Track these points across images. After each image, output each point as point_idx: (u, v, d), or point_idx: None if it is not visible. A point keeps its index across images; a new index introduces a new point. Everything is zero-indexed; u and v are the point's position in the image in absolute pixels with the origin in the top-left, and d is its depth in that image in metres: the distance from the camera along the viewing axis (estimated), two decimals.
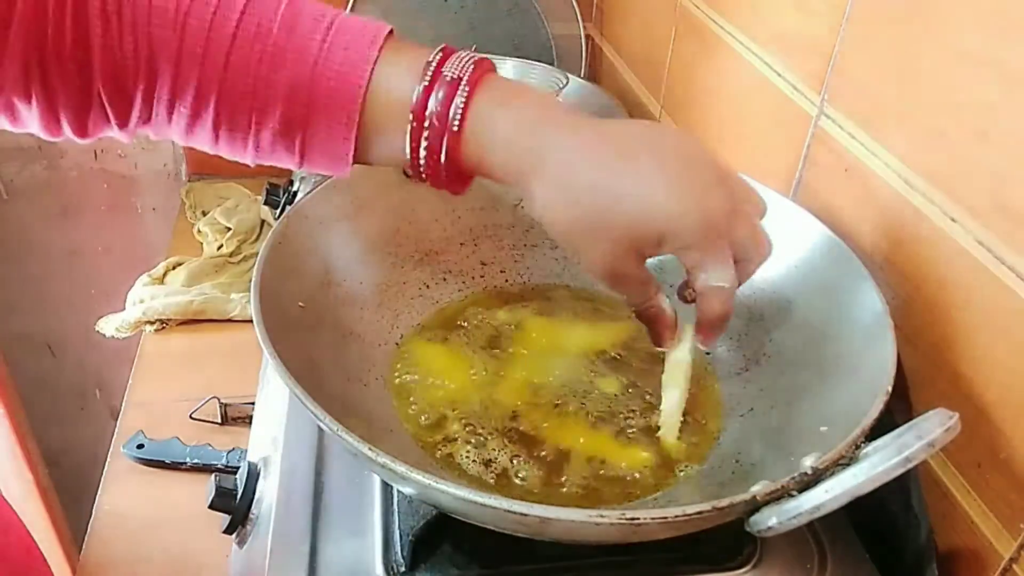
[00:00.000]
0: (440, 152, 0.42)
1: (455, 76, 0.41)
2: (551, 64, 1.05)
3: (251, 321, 0.43)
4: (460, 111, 0.41)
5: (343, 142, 0.43)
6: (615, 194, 0.40)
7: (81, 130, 0.45)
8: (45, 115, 0.44)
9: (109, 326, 0.90)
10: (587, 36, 1.12)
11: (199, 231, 1.05)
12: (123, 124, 0.45)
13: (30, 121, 0.44)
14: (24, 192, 1.20)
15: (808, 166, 0.60)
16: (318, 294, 0.52)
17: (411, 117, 0.42)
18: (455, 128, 0.41)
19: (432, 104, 0.41)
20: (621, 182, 0.40)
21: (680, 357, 0.48)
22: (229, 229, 1.03)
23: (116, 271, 1.22)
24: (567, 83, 0.92)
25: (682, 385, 0.48)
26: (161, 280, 0.96)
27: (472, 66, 0.42)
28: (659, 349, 0.48)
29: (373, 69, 0.42)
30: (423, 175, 0.44)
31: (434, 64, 0.42)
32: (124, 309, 0.91)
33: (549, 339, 0.57)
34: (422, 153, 0.42)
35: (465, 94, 0.41)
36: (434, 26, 1.08)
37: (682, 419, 0.49)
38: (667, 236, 0.40)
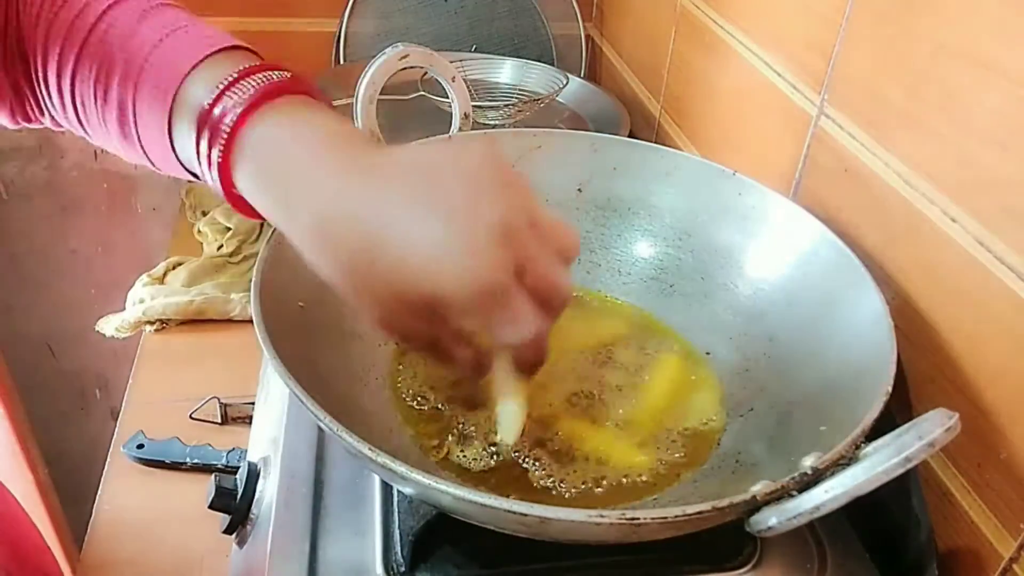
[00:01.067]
0: (211, 159, 0.39)
1: (250, 85, 0.39)
2: (551, 64, 1.05)
3: (251, 321, 0.43)
4: (236, 121, 0.38)
5: (163, 137, 0.42)
6: (371, 240, 0.35)
7: (23, 117, 0.47)
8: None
9: (109, 326, 0.90)
10: (587, 36, 1.12)
11: (199, 231, 1.05)
12: (40, 111, 0.47)
13: None
14: (24, 192, 1.20)
15: (808, 166, 0.60)
16: (318, 294, 0.52)
17: (194, 118, 0.40)
18: (220, 150, 0.39)
19: (216, 110, 0.39)
20: (381, 226, 0.35)
21: (503, 393, 0.45)
22: (229, 229, 1.03)
23: (116, 271, 1.22)
24: (567, 83, 0.92)
25: (515, 395, 0.45)
26: (161, 280, 0.96)
27: (275, 79, 0.39)
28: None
29: (191, 72, 0.40)
30: (214, 186, 0.41)
31: (238, 73, 0.39)
32: (124, 309, 0.91)
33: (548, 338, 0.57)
34: (202, 159, 0.40)
35: (249, 105, 0.38)
36: (434, 26, 1.08)
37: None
38: (439, 304, 0.35)
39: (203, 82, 0.40)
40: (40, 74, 0.45)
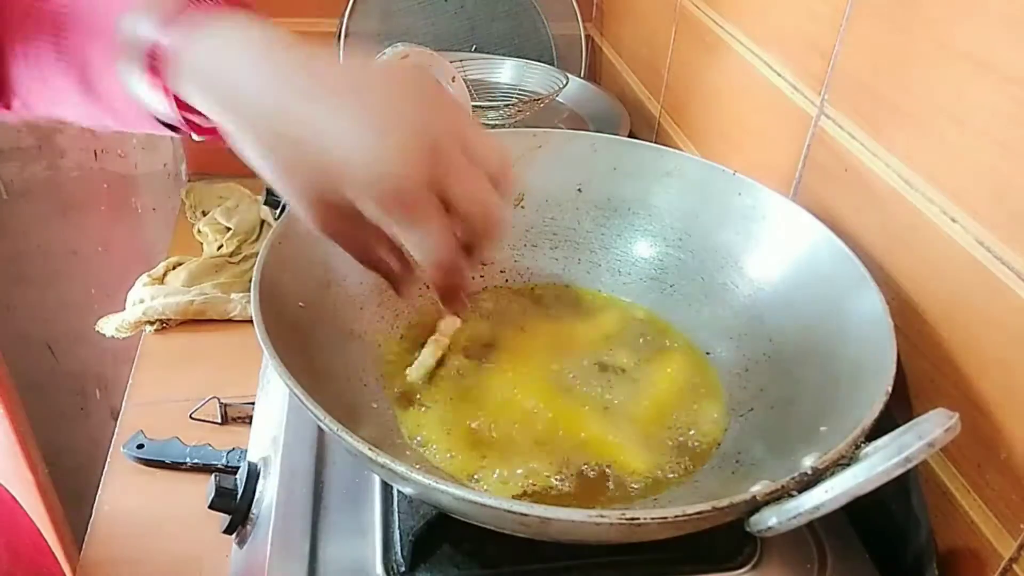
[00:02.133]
0: (150, 75, 0.40)
1: (178, 6, 0.39)
2: (551, 64, 1.05)
3: (251, 321, 0.43)
4: (173, 34, 0.38)
5: (123, 91, 0.42)
6: (303, 132, 0.36)
7: None
8: None
9: (109, 326, 0.90)
10: (587, 36, 1.12)
11: (199, 231, 1.05)
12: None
13: None
14: (24, 192, 1.20)
15: (808, 166, 0.60)
16: (318, 294, 0.52)
17: (141, 63, 0.40)
18: (160, 50, 0.39)
19: (153, 33, 0.39)
20: (310, 118, 0.36)
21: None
22: (229, 229, 1.03)
23: (116, 271, 1.22)
24: (567, 83, 0.92)
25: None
26: (161, 280, 0.96)
27: (194, 6, 0.39)
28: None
29: (126, 12, 0.40)
30: (161, 112, 0.42)
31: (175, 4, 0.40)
32: (124, 309, 0.91)
33: (549, 338, 0.57)
34: (160, 98, 0.40)
35: (184, 19, 0.39)
36: (434, 26, 1.08)
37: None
38: (349, 183, 0.35)
39: (136, 18, 0.40)
40: (3, 62, 0.44)
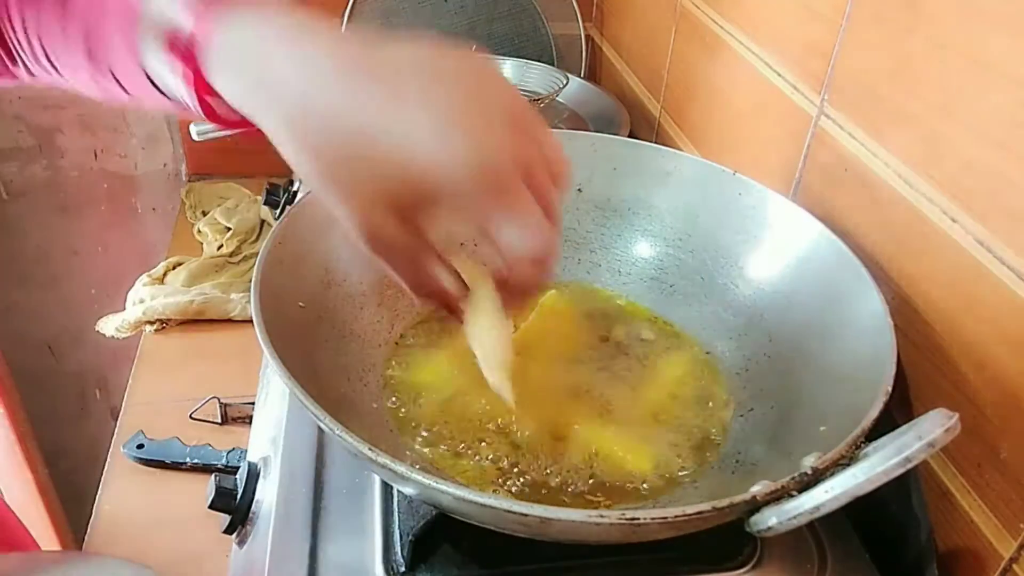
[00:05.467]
0: (183, 68, 0.37)
1: (202, 3, 0.36)
2: (551, 64, 1.05)
3: (251, 321, 0.43)
4: (201, 24, 0.35)
5: (133, 58, 0.39)
6: (361, 131, 0.32)
7: None
8: None
9: (109, 326, 0.90)
10: (587, 36, 1.12)
11: (199, 231, 1.05)
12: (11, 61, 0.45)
13: None
14: (24, 192, 1.20)
15: (808, 166, 0.60)
16: (318, 294, 0.52)
17: (162, 31, 0.37)
18: (192, 43, 0.36)
19: (180, 19, 0.36)
20: (370, 115, 0.32)
21: (484, 327, 0.39)
22: (229, 229, 1.03)
23: (116, 271, 1.22)
24: (567, 83, 0.92)
25: (502, 356, 0.41)
26: (161, 280, 0.96)
27: None
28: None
29: None
30: (191, 104, 0.39)
31: None
32: (124, 309, 0.91)
33: (549, 337, 0.57)
34: (178, 80, 0.37)
35: (202, 22, 0.35)
36: (434, 26, 1.08)
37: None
38: (435, 191, 0.32)
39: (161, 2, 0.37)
40: (8, 23, 0.43)
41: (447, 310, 0.39)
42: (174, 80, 0.39)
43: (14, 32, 0.45)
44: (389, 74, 0.33)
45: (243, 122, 0.38)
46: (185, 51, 0.37)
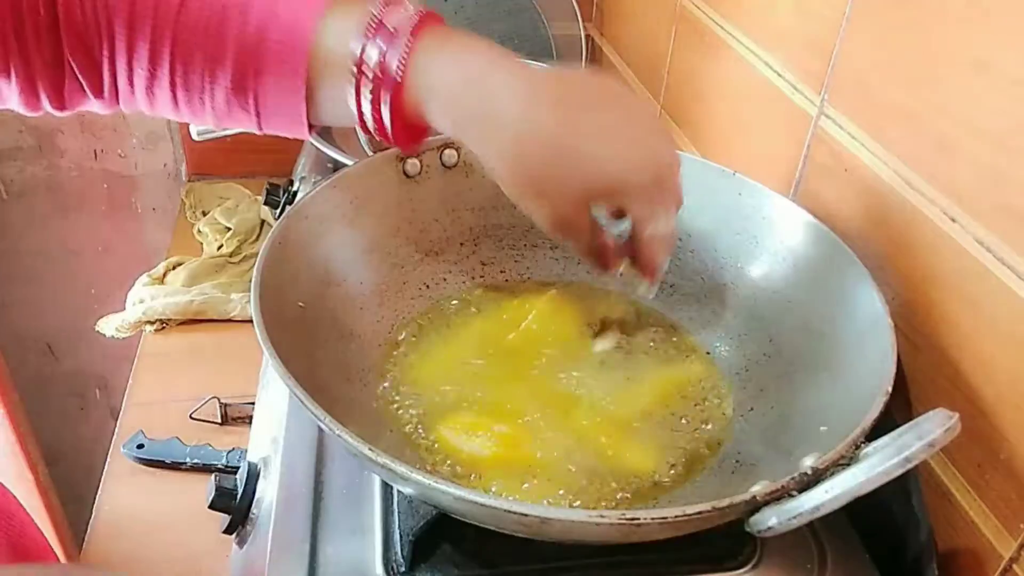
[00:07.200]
0: (381, 105, 0.42)
1: (397, 27, 0.41)
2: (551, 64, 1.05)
3: (251, 321, 0.43)
4: (402, 62, 0.41)
5: (294, 97, 0.43)
6: (572, 150, 0.40)
7: (59, 102, 0.46)
8: (24, 89, 0.44)
9: (109, 326, 0.90)
10: (587, 36, 1.12)
11: (199, 231, 1.05)
12: (97, 93, 0.46)
13: (10, 97, 0.45)
14: (24, 192, 1.20)
15: (808, 166, 0.60)
16: (318, 294, 0.52)
17: (354, 69, 0.41)
18: (397, 79, 0.41)
19: (374, 55, 0.41)
20: (580, 137, 0.40)
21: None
22: (229, 229, 1.03)
23: (116, 271, 1.22)
24: None
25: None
26: (161, 280, 0.96)
27: (416, 17, 0.41)
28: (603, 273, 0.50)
29: (320, 22, 0.41)
30: (374, 131, 0.44)
31: (377, 15, 0.41)
32: (124, 309, 0.91)
33: (549, 337, 0.57)
34: (366, 106, 0.42)
35: (407, 44, 0.40)
36: None
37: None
38: (622, 190, 0.42)
39: (338, 34, 0.42)
40: (109, 58, 0.44)
41: (602, 263, 0.49)
42: (348, 109, 0.43)
43: (115, 76, 0.45)
44: (586, 101, 0.41)
45: (417, 138, 0.45)
46: (381, 81, 0.41)
